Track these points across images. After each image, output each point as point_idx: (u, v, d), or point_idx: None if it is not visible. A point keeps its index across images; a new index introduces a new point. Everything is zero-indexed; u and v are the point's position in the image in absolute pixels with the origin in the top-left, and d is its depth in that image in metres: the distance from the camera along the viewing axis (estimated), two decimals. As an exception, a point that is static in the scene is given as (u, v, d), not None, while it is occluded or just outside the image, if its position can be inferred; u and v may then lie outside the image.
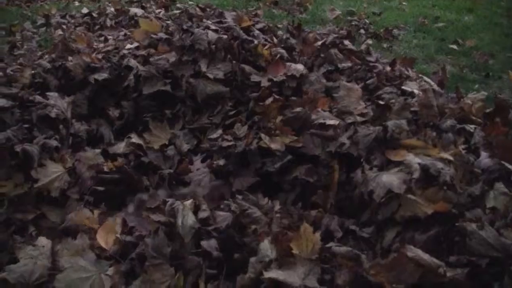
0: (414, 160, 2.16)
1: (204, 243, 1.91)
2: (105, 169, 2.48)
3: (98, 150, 2.62)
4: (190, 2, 7.08)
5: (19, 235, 2.19)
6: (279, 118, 2.64)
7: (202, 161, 2.60)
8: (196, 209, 2.02)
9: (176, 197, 2.24)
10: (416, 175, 2.09)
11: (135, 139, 2.77)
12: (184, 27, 3.20)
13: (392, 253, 1.89)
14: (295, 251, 1.85)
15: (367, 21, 6.53)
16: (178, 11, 5.85)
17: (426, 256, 1.76)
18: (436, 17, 6.96)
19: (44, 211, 2.33)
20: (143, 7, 6.50)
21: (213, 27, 3.25)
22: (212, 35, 3.08)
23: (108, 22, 5.55)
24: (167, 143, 2.82)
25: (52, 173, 2.39)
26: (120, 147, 2.76)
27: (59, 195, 2.38)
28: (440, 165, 2.13)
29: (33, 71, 3.13)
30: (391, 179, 2.08)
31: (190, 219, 1.93)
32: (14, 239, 2.14)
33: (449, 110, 2.66)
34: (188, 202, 2.01)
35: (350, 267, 1.80)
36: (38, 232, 2.22)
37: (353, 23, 6.40)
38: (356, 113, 2.58)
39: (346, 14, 6.91)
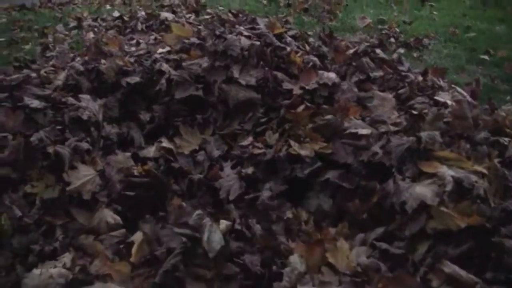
0: (447, 172, 2.13)
1: (246, 258, 1.92)
2: (135, 173, 2.48)
3: (128, 154, 2.62)
4: (220, 8, 7.11)
5: (48, 237, 2.21)
6: (310, 125, 2.63)
7: (232, 168, 2.59)
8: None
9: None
10: (449, 187, 2.06)
11: (165, 143, 2.77)
12: (217, 32, 3.20)
13: (424, 268, 1.87)
14: (331, 260, 1.85)
15: (398, 30, 6.49)
16: (208, 16, 5.89)
17: (463, 273, 1.74)
18: (467, 27, 6.90)
19: (73, 213, 2.33)
20: (173, 12, 6.54)
21: (245, 33, 3.24)
22: (244, 41, 3.08)
23: (139, 26, 5.60)
24: (197, 148, 2.82)
25: (84, 176, 2.39)
26: (150, 151, 2.76)
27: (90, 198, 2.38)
28: (473, 178, 2.10)
29: (66, 73, 3.16)
30: (424, 191, 2.05)
31: (217, 236, 1.93)
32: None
33: (482, 122, 2.63)
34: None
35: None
36: (65, 235, 2.23)
37: (383, 32, 6.36)
38: (390, 123, 2.56)
39: (376, 23, 6.88)
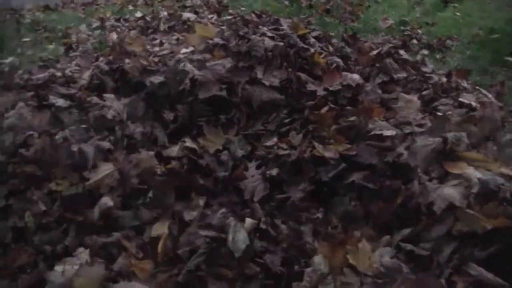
0: (473, 173, 2.11)
1: (267, 258, 1.93)
2: (158, 171, 2.49)
3: (152, 153, 2.63)
4: (243, 8, 7.11)
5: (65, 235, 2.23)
6: (334, 127, 2.63)
7: (257, 168, 2.59)
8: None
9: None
10: (475, 189, 2.04)
11: (189, 143, 2.77)
12: (241, 33, 3.21)
13: (449, 270, 1.86)
14: (352, 261, 1.84)
15: (420, 32, 6.44)
16: (230, 17, 5.89)
17: (489, 275, 1.72)
18: (491, 28, 6.81)
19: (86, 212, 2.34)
20: (195, 12, 6.55)
21: (269, 34, 3.24)
22: (268, 42, 3.08)
23: (162, 26, 5.62)
24: (221, 148, 2.82)
25: (103, 171, 2.41)
26: (174, 150, 2.76)
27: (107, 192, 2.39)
28: (500, 180, 2.08)
29: (90, 73, 3.18)
30: (452, 192, 2.04)
31: (242, 235, 1.93)
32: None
33: (508, 124, 2.61)
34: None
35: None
36: (77, 233, 2.24)
37: (405, 33, 6.32)
38: (414, 124, 2.54)
39: (398, 24, 6.83)
